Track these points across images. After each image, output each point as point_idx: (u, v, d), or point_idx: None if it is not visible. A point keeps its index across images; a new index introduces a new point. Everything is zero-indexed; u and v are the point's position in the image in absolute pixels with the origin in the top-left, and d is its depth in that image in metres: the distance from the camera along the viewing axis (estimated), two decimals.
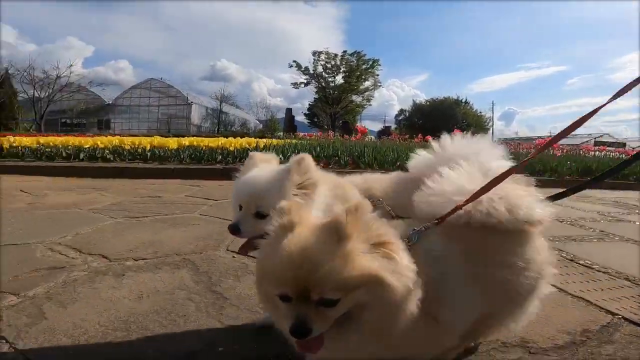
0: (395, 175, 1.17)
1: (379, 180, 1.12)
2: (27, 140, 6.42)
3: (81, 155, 5.88)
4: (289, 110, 31.66)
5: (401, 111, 59.61)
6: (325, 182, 0.98)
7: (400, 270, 0.60)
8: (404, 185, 1.05)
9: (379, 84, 44.12)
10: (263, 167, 0.98)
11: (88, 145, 6.05)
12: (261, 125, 47.10)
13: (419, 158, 1.13)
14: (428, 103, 53.93)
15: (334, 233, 0.59)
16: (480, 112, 53.72)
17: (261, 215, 0.88)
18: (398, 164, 6.18)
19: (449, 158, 0.98)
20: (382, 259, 0.59)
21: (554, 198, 0.92)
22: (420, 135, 12.85)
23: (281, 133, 38.35)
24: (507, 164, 0.98)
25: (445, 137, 1.11)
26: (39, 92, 28.33)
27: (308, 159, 0.93)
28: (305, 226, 0.63)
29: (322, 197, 0.92)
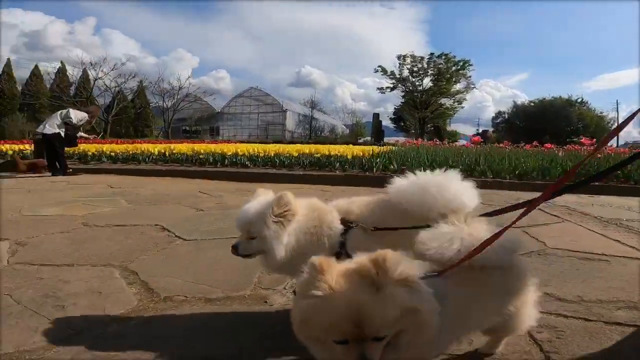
0: (375, 199, 1.34)
1: (359, 203, 1.31)
2: (184, 148, 7.96)
3: (225, 162, 7.08)
4: (376, 115, 31.91)
5: (499, 113, 54.93)
6: (304, 209, 1.23)
7: (424, 296, 0.76)
8: (379, 209, 1.26)
9: (472, 86, 41.49)
10: (260, 199, 1.25)
11: (230, 153, 7.24)
12: (348, 131, 48.07)
13: (394, 185, 1.27)
14: (533, 104, 48.71)
15: (372, 284, 0.74)
16: (602, 113, 46.62)
17: (252, 238, 1.17)
18: (517, 172, 5.99)
19: (422, 187, 1.19)
20: (411, 290, 0.75)
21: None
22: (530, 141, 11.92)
23: (368, 138, 38.62)
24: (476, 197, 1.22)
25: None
26: (166, 102, 33.53)
27: (287, 196, 1.18)
28: (343, 280, 0.76)
29: (296, 223, 1.17)
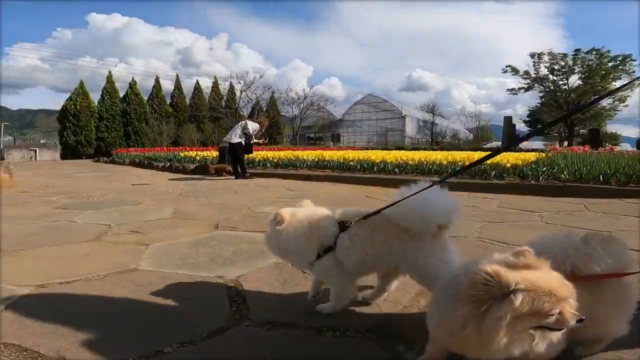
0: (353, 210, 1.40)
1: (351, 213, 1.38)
2: (333, 155, 8.73)
3: (374, 168, 7.48)
4: (508, 119, 28.64)
5: None
6: (296, 219, 1.38)
7: None
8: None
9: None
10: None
11: (378, 160, 7.63)
12: (471, 136, 44.53)
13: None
14: None
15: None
16: None
17: None
18: None
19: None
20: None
21: None
22: None
23: (495, 143, 35.03)
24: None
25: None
26: (294, 111, 36.88)
27: (280, 214, 1.38)
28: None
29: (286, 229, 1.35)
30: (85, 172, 10.46)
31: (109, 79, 26.66)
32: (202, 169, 9.33)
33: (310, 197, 1.67)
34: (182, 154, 12.04)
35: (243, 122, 8.53)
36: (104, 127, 24.93)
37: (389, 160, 7.48)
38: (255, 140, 8.85)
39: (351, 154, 8.94)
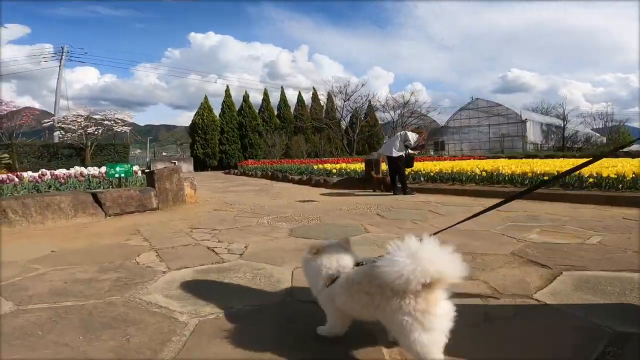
0: None
1: None
2: (512, 167, 7.44)
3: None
4: None
5: None
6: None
7: None
8: None
9: None
10: None
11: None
12: (604, 140, 37.54)
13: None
14: None
15: None
16: None
17: None
18: None
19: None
20: None
21: None
22: None
23: (635, 147, 28.56)
24: None
25: None
26: (392, 118, 35.67)
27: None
28: None
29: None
30: (236, 186, 10.89)
31: (227, 93, 29.09)
32: (348, 182, 8.91)
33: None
34: (315, 167, 11.91)
35: (402, 133, 7.84)
36: (225, 139, 27.26)
37: (605, 174, 5.92)
38: (411, 152, 8.08)
39: (533, 166, 7.52)
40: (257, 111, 30.06)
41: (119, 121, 22.22)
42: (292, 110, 32.68)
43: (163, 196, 5.80)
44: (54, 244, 3.33)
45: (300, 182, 10.78)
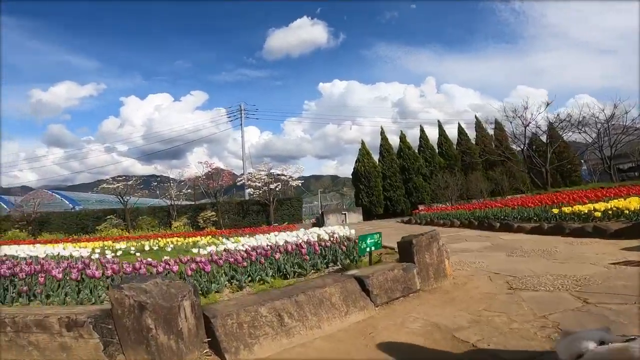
0: None
1: None
2: None
3: None
4: None
5: None
6: None
7: None
8: None
9: None
10: None
11: None
12: None
13: None
14: None
15: None
16: None
17: None
18: None
19: None
20: None
21: None
22: None
23: None
24: None
25: None
26: (590, 137, 27.89)
27: None
28: None
29: None
30: (454, 242, 8.87)
31: (382, 135, 28.31)
32: None
33: None
34: (566, 209, 8.75)
35: None
36: (388, 185, 26.14)
37: None
38: None
39: None
40: (416, 151, 28.21)
41: (291, 176, 23.86)
42: (454, 145, 29.49)
43: (424, 273, 4.26)
44: None
45: (539, 231, 7.96)
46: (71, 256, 6.92)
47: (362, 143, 28.04)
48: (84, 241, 13.18)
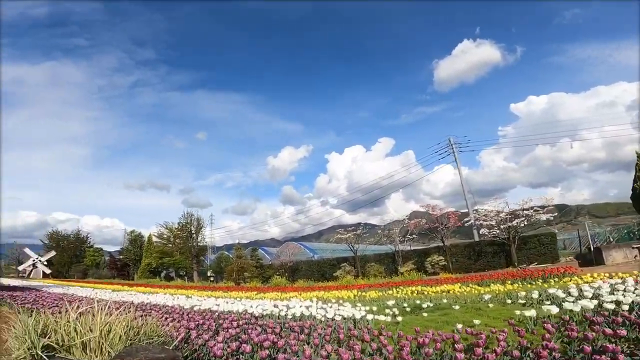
0: None
1: None
2: None
3: None
4: None
5: None
6: None
7: None
8: None
9: None
10: None
11: None
12: None
13: None
14: None
15: None
16: None
17: None
18: None
19: None
20: None
21: None
22: None
23: None
24: None
25: None
26: None
27: None
28: None
29: None
30: None
31: None
32: None
33: None
34: None
35: None
36: None
37: None
38: None
39: None
40: None
41: (539, 209, 19.05)
42: None
43: None
44: None
45: None
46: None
47: (638, 156, 19.83)
48: (337, 289, 13.61)
